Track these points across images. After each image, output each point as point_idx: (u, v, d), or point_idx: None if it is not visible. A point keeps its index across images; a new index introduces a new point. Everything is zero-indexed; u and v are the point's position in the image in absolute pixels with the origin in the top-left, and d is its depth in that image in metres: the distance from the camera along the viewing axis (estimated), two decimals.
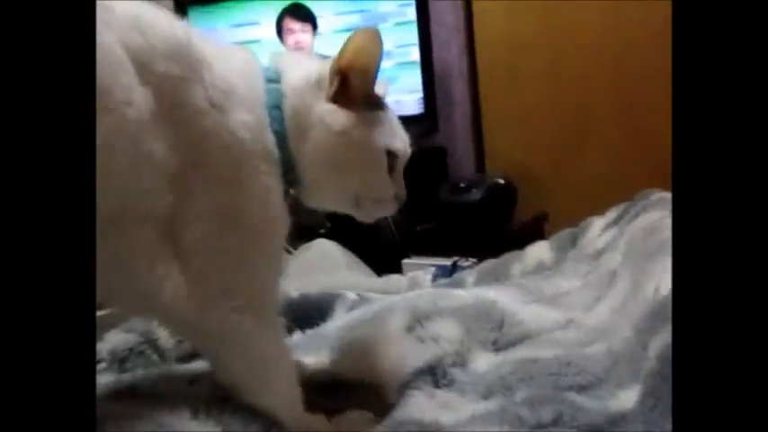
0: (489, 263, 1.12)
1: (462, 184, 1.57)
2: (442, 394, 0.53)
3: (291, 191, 0.53)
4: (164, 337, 0.79)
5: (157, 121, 0.43)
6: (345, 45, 0.53)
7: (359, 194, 0.56)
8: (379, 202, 0.57)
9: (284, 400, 0.49)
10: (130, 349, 0.75)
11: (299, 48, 1.72)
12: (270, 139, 0.49)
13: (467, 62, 1.82)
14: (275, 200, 0.48)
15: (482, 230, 1.53)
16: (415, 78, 1.70)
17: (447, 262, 1.36)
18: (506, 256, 1.12)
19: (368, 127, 0.54)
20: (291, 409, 0.49)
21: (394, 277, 1.18)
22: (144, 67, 0.43)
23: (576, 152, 1.71)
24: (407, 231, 1.62)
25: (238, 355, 0.47)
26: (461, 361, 0.57)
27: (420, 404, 0.51)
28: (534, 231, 1.50)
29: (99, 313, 1.03)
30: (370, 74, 0.54)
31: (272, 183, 0.48)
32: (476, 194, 1.53)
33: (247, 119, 0.47)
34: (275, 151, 0.50)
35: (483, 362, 0.57)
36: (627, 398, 0.52)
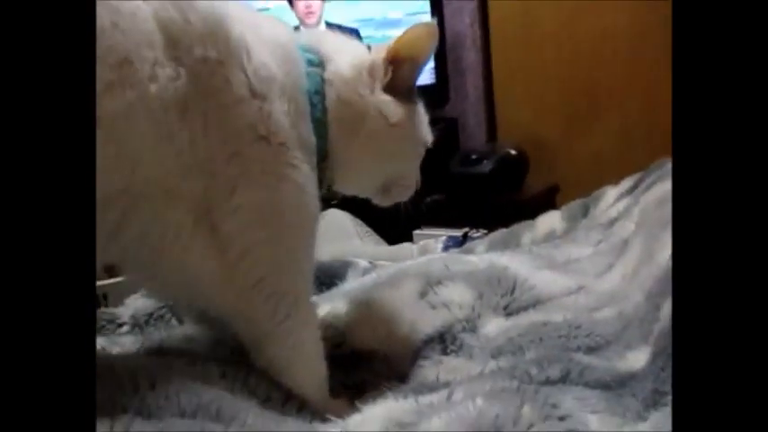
0: (500, 232, 1.13)
1: (473, 155, 1.57)
2: (450, 360, 0.55)
3: (320, 176, 0.52)
4: None
5: (189, 103, 0.41)
6: (404, 35, 0.53)
7: (391, 181, 0.58)
8: (406, 188, 0.60)
9: (314, 384, 0.50)
10: (150, 314, 0.78)
11: (309, 13, 1.70)
12: (308, 128, 0.49)
13: (479, 31, 1.78)
14: (311, 188, 0.48)
15: (493, 201, 1.53)
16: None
17: (458, 233, 1.37)
18: (517, 226, 1.12)
19: (414, 119, 0.56)
20: (319, 393, 0.50)
21: (405, 245, 1.19)
22: (178, 45, 0.41)
23: (589, 123, 1.69)
24: (418, 202, 1.62)
25: (273, 340, 0.48)
26: (471, 327, 0.58)
27: (430, 373, 0.52)
28: (545, 202, 1.50)
29: (120, 279, 1.06)
30: (420, 67, 0.55)
31: (308, 171, 0.48)
32: (487, 165, 1.52)
33: (288, 108, 0.46)
34: (312, 139, 0.49)
35: (493, 327, 0.58)
36: (636, 359, 0.53)
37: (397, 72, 0.53)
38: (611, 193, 1.07)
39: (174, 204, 0.42)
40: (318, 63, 0.52)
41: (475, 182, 1.54)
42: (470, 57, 1.81)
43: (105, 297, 1.05)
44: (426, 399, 0.42)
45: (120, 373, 0.40)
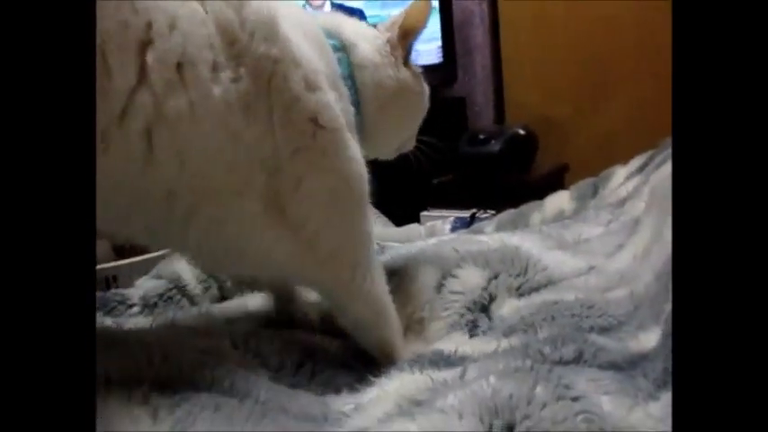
0: (508, 213, 1.12)
1: (482, 135, 1.55)
2: (464, 338, 0.55)
3: None
4: (192, 282, 0.81)
5: (252, 102, 0.42)
6: (407, 12, 0.60)
7: (406, 141, 0.66)
8: (414, 139, 0.67)
9: (398, 330, 0.55)
10: (161, 294, 0.78)
11: None
12: (350, 109, 0.53)
13: (487, 9, 1.75)
14: (362, 162, 0.52)
15: (501, 182, 1.52)
16: (433, 26, 1.65)
17: (465, 214, 1.36)
18: (526, 206, 1.12)
19: (423, 82, 0.63)
20: (402, 338, 0.56)
21: (413, 226, 1.19)
22: (236, 45, 0.42)
23: (598, 102, 1.67)
24: (426, 183, 1.62)
25: (356, 301, 0.52)
26: (485, 309, 0.59)
27: (445, 348, 0.53)
28: (554, 183, 1.49)
29: (129, 260, 1.07)
30: (416, 38, 0.61)
31: (358, 148, 0.52)
32: (495, 145, 1.51)
33: (335, 95, 0.50)
34: (353, 118, 0.53)
35: (507, 309, 0.58)
36: (648, 339, 0.53)
37: (405, 45, 0.60)
38: (620, 172, 1.06)
39: (243, 196, 0.44)
40: (341, 48, 0.56)
41: (483, 162, 1.53)
42: (479, 36, 1.78)
43: (115, 279, 1.07)
44: (440, 376, 0.42)
45: (133, 346, 0.41)
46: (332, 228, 0.49)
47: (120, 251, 1.22)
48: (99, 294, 0.76)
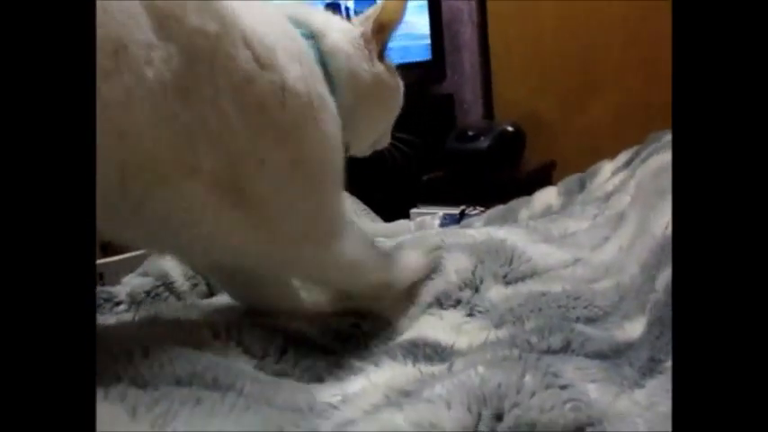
0: (497, 209, 1.13)
1: (470, 132, 1.56)
2: (451, 315, 0.55)
3: None
4: (180, 279, 0.81)
5: (187, 83, 0.40)
6: (383, 6, 0.59)
7: (381, 137, 0.66)
8: (388, 136, 0.67)
9: (383, 265, 0.56)
10: (147, 292, 0.77)
11: None
12: (326, 90, 0.51)
13: (476, 7, 1.76)
14: (335, 143, 0.51)
15: (490, 178, 1.52)
16: (422, 24, 1.65)
17: (455, 210, 1.37)
18: (514, 202, 1.12)
19: (396, 77, 0.62)
20: (402, 279, 0.57)
21: (402, 222, 1.19)
22: (167, 23, 0.40)
23: (586, 99, 1.68)
24: (415, 180, 1.62)
25: (334, 274, 0.52)
26: (472, 287, 0.59)
27: (432, 325, 0.53)
28: (543, 179, 1.50)
29: (116, 258, 1.05)
30: (391, 33, 0.60)
31: (332, 128, 0.50)
32: (484, 142, 1.52)
33: (302, 72, 0.47)
34: (332, 99, 0.52)
35: (495, 293, 0.59)
36: (633, 329, 0.54)
37: (380, 40, 0.59)
38: (607, 167, 1.07)
39: (193, 178, 0.42)
40: (310, 36, 0.54)
41: (472, 159, 1.54)
42: (467, 33, 1.78)
43: (102, 276, 1.05)
44: (428, 369, 0.42)
45: (113, 342, 0.40)
46: (295, 207, 0.47)
47: (106, 248, 1.20)
48: None
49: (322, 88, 0.51)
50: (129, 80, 0.38)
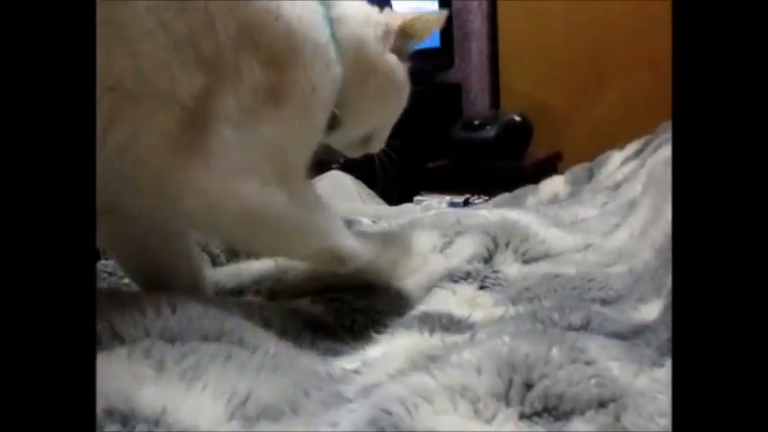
0: (502, 196, 1.12)
1: (476, 121, 1.55)
2: (462, 289, 0.55)
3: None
4: None
5: None
6: (420, 17, 0.60)
7: (376, 132, 0.63)
8: (381, 141, 0.64)
9: (335, 231, 0.51)
10: None
11: None
12: (330, 48, 0.50)
13: None
14: (320, 95, 0.49)
15: (495, 168, 1.52)
16: (432, 11, 1.63)
17: (459, 199, 1.36)
18: (520, 190, 1.12)
19: (407, 81, 0.61)
20: (345, 239, 0.51)
21: (408, 205, 1.19)
22: None
23: (593, 90, 1.68)
24: (420, 168, 1.61)
25: (271, 218, 0.47)
26: (482, 260, 0.59)
27: (444, 299, 0.53)
28: (548, 170, 1.49)
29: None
30: (410, 45, 0.60)
31: (319, 79, 0.48)
32: (490, 131, 1.51)
33: (303, 14, 0.47)
34: (333, 56, 0.50)
35: (510, 269, 0.58)
36: (649, 311, 0.53)
37: (401, 43, 0.58)
38: (616, 156, 1.06)
39: (162, 107, 0.41)
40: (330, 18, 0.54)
41: (478, 148, 1.53)
42: (476, 22, 1.77)
43: (104, 251, 1.04)
44: (450, 338, 0.42)
45: (142, 299, 0.40)
46: (255, 134, 0.44)
47: None
48: None
49: (323, 41, 0.49)
50: None
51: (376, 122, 0.62)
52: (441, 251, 0.62)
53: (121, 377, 0.32)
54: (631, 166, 0.97)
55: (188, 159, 0.42)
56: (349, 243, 0.51)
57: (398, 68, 0.58)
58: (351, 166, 1.42)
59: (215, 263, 0.77)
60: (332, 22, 0.52)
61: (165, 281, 0.52)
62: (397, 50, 0.58)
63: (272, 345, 0.38)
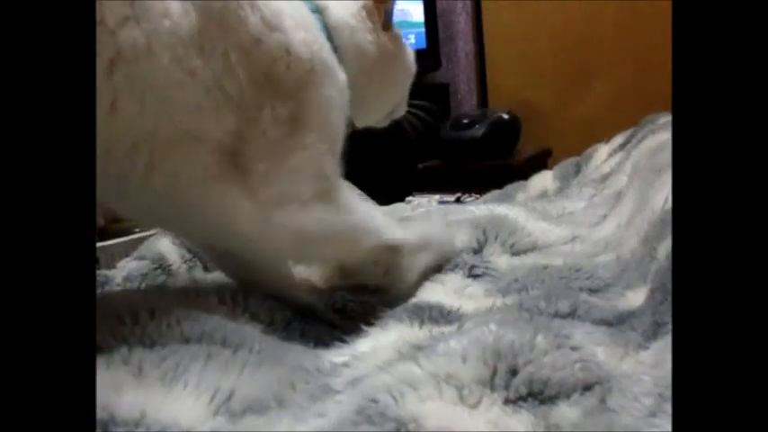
0: (493, 193, 1.13)
1: (465, 120, 1.56)
2: (450, 280, 0.55)
3: None
4: (177, 261, 0.80)
5: (203, 42, 0.42)
6: None
7: (396, 105, 0.66)
8: (404, 105, 0.67)
9: (385, 222, 0.55)
10: (144, 275, 0.77)
11: None
12: (334, 59, 0.52)
13: None
14: (338, 112, 0.52)
15: (485, 166, 1.53)
16: (417, 12, 1.64)
17: (450, 197, 1.37)
18: (510, 186, 1.13)
19: (402, 44, 0.63)
20: (396, 230, 0.55)
21: (399, 205, 1.19)
22: None
23: (581, 87, 1.69)
24: (410, 169, 1.62)
25: (324, 232, 0.49)
26: (470, 251, 0.59)
27: (433, 290, 0.53)
28: (538, 167, 1.50)
29: (111, 242, 1.04)
30: (394, 2, 0.61)
31: (335, 95, 0.51)
32: (479, 130, 1.52)
33: (306, 37, 0.49)
34: (337, 65, 0.52)
35: (499, 261, 0.59)
36: (636, 298, 0.54)
37: (383, 10, 0.60)
38: (603, 149, 1.07)
39: (202, 143, 0.43)
40: (316, 10, 0.55)
41: (467, 147, 1.54)
42: (461, 22, 1.78)
43: (97, 260, 1.04)
44: (438, 329, 0.42)
45: (119, 306, 0.40)
46: (286, 162, 0.47)
47: (102, 233, 1.19)
48: None
49: (327, 56, 0.51)
50: (148, 28, 0.39)
51: (392, 100, 0.65)
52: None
53: (100, 386, 0.32)
54: (617, 158, 0.99)
55: (231, 188, 0.45)
56: (396, 232, 0.55)
57: (393, 43, 0.60)
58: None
59: (207, 268, 0.77)
60: (329, 30, 0.55)
61: (254, 278, 0.54)
62: (386, 18, 0.59)
63: (256, 342, 0.38)
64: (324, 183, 0.50)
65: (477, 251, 0.61)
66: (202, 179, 0.44)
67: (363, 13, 0.58)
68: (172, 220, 0.50)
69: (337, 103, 0.51)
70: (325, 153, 0.50)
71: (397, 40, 0.61)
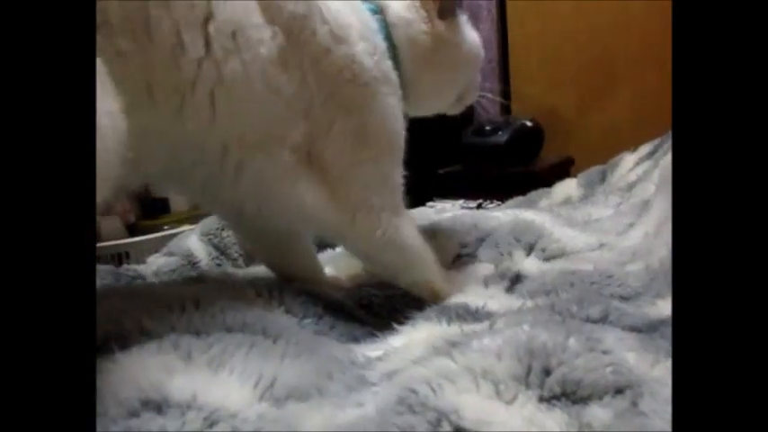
0: (516, 199, 1.13)
1: (488, 127, 1.56)
2: (486, 290, 0.56)
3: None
4: (205, 259, 0.82)
5: (287, 58, 0.46)
6: None
7: (465, 90, 0.66)
8: (475, 90, 0.68)
9: (435, 272, 0.57)
10: (173, 270, 0.78)
11: None
12: (389, 64, 0.54)
13: (495, 3, 1.76)
14: (397, 115, 0.54)
15: (507, 173, 1.52)
16: None
17: (472, 204, 1.37)
18: (533, 193, 1.13)
19: (464, 29, 0.63)
20: (442, 278, 0.57)
21: (421, 209, 1.20)
22: (270, 8, 0.46)
23: (604, 95, 1.68)
24: (431, 174, 1.62)
25: (383, 249, 0.53)
26: (509, 260, 0.59)
27: (470, 300, 0.53)
28: (560, 175, 1.49)
29: (141, 238, 1.06)
30: None
31: (394, 102, 0.54)
32: (502, 136, 1.52)
33: (368, 47, 0.52)
34: (395, 74, 0.55)
35: (531, 266, 0.59)
36: (666, 306, 0.54)
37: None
38: (629, 158, 1.07)
39: (284, 145, 0.47)
40: (378, 11, 0.58)
41: (489, 153, 1.54)
42: (486, 29, 1.79)
43: (128, 255, 1.07)
44: (469, 327, 0.42)
45: (166, 296, 0.41)
46: (356, 173, 0.50)
47: (132, 228, 1.22)
48: (112, 270, 0.76)
49: (385, 63, 0.54)
50: (247, 57, 0.43)
51: (455, 87, 0.65)
52: (460, 256, 0.63)
53: (153, 369, 0.33)
54: (644, 166, 0.98)
55: (310, 182, 0.49)
56: (444, 283, 0.57)
57: (450, 30, 0.59)
58: None
59: (241, 264, 0.79)
60: (389, 28, 0.57)
61: (292, 271, 0.59)
62: (440, 10, 0.59)
63: (293, 334, 0.39)
64: (393, 196, 0.53)
65: (509, 257, 0.61)
66: (284, 173, 0.48)
67: (417, 4, 0.59)
68: (253, 211, 0.52)
69: (396, 110, 0.54)
70: (391, 164, 0.53)
71: (454, 27, 0.60)
